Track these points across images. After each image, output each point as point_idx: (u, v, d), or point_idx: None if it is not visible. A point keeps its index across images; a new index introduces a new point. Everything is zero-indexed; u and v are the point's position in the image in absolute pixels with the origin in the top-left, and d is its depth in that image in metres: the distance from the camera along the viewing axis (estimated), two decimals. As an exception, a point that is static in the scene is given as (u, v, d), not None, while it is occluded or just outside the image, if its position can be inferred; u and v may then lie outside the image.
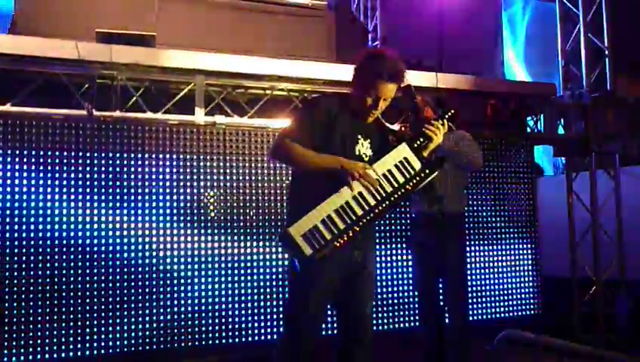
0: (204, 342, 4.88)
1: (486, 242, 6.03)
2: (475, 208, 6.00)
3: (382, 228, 5.54)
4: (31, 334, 4.39)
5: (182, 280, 4.87)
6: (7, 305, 4.35)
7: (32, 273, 4.43)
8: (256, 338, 5.04)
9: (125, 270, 4.69)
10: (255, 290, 5.08)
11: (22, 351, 4.36)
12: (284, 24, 5.92)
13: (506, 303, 6.10)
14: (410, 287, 5.60)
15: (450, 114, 3.16)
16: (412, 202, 4.83)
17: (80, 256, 4.57)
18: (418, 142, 3.04)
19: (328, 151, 2.95)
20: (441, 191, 4.49)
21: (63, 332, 4.48)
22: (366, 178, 2.85)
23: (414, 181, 2.96)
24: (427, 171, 2.99)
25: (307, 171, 2.99)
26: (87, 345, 4.54)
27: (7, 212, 4.42)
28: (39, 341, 4.41)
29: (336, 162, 2.89)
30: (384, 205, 2.88)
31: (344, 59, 5.76)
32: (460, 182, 4.65)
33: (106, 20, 5.09)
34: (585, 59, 6.78)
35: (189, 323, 4.86)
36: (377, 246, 5.11)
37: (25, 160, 4.51)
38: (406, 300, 5.62)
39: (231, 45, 5.40)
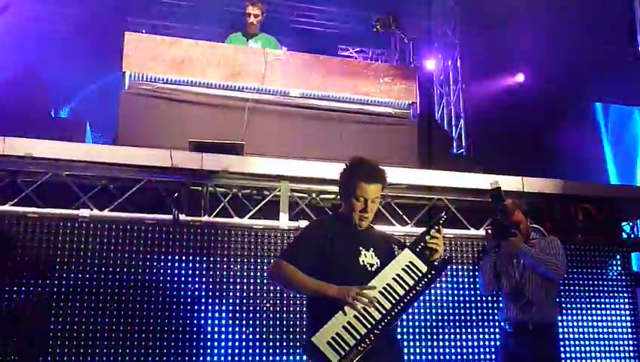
0: None
1: (581, 356, 5.61)
2: (567, 319, 5.65)
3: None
4: None
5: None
6: None
7: None
8: None
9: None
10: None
11: None
12: (367, 132, 6.08)
13: None
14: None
15: (441, 220, 3.35)
16: (500, 311, 4.68)
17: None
18: (420, 247, 3.21)
19: (332, 267, 3.11)
20: (531, 296, 4.36)
21: None
22: (361, 300, 2.94)
23: (423, 282, 3.12)
24: (433, 272, 3.16)
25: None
26: None
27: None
28: None
29: (323, 291, 3.02)
30: (399, 307, 3.02)
31: (428, 166, 5.81)
32: (549, 291, 4.50)
33: (199, 131, 5.41)
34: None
35: None
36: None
37: (118, 261, 4.72)
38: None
39: (315, 152, 5.58)
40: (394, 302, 3.01)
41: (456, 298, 5.40)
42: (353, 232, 3.25)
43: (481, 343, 5.36)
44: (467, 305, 5.40)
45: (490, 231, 4.52)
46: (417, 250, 3.20)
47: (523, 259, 4.42)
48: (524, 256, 4.38)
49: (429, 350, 5.18)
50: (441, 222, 3.33)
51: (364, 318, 2.92)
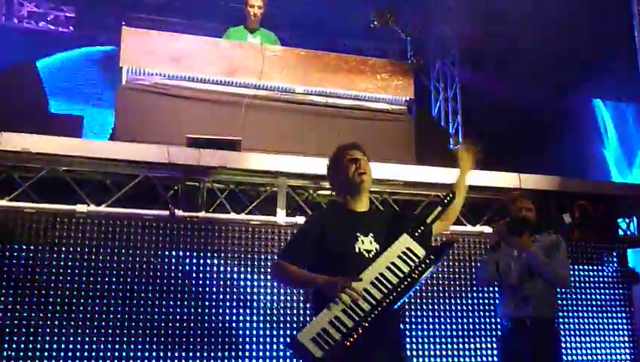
0: None
1: (577, 352, 5.64)
2: (563, 316, 5.67)
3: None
4: None
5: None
6: None
7: None
8: None
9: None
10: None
11: None
12: (364, 128, 6.05)
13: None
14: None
15: (447, 198, 3.29)
16: (498, 306, 4.67)
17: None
18: (419, 231, 3.10)
19: (326, 257, 3.06)
20: (529, 293, 4.34)
21: None
22: (348, 293, 2.84)
23: (420, 268, 2.97)
24: (432, 257, 3.00)
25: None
26: None
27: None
28: None
29: (313, 283, 3.02)
30: (392, 296, 2.88)
31: (424, 163, 5.81)
32: (548, 287, 4.47)
33: (196, 127, 5.39)
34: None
35: None
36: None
37: (115, 258, 4.72)
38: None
39: (312, 148, 5.56)
40: (386, 291, 2.88)
41: (453, 294, 5.42)
42: (350, 218, 3.19)
43: (482, 339, 5.39)
44: (465, 301, 5.41)
45: (502, 225, 4.41)
46: (416, 234, 3.06)
47: (530, 262, 4.36)
48: (533, 259, 4.31)
49: (426, 346, 5.21)
50: (447, 200, 3.25)
51: (352, 311, 2.82)
